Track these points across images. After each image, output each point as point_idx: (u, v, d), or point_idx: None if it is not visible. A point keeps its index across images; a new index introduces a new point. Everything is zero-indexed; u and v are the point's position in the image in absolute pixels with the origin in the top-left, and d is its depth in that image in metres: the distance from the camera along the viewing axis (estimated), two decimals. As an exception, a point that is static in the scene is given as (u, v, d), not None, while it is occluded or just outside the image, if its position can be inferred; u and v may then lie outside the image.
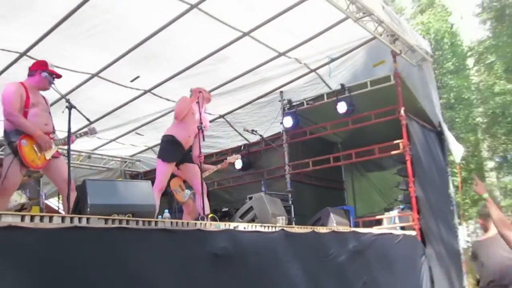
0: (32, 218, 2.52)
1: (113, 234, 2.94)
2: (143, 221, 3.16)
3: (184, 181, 6.74)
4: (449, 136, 8.34)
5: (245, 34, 6.84)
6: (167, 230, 3.29)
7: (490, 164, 16.54)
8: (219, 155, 9.45)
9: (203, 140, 5.10)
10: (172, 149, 5.20)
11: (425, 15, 22.43)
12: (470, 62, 18.21)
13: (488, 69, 17.30)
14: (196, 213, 6.33)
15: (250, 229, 4.01)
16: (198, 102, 5.21)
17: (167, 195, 7.74)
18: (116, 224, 2.97)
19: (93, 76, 7.06)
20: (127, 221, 3.07)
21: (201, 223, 3.61)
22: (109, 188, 3.66)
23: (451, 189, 8.83)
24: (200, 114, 5.12)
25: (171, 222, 3.39)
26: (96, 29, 5.90)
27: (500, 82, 16.06)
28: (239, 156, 7.12)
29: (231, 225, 3.85)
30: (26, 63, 5.15)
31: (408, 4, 31.09)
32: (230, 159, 7.00)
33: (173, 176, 6.34)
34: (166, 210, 4.80)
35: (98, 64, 6.89)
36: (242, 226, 3.96)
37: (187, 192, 6.84)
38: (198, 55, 7.15)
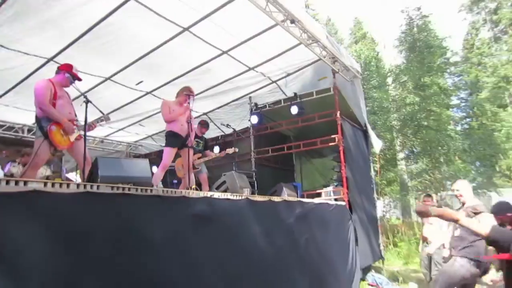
0: (53, 185, 2.47)
1: (118, 199, 2.90)
2: (141, 189, 3.13)
3: None
4: (372, 134, 8.51)
5: (224, 52, 6.79)
6: (159, 196, 3.27)
7: (401, 155, 16.97)
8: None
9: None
10: (174, 139, 5.12)
11: (358, 45, 22.78)
12: (389, 80, 18.59)
13: (402, 86, 17.71)
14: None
15: (222, 197, 4.00)
16: (189, 103, 5.15)
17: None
18: (120, 191, 2.93)
19: (106, 79, 6.89)
20: (129, 188, 3.03)
21: (185, 192, 3.58)
22: (116, 164, 3.60)
23: (372, 172, 9.04)
24: (190, 111, 5.09)
25: (163, 190, 3.36)
26: (110, 43, 5.76)
27: (410, 95, 16.47)
28: (236, 149, 6.96)
29: (208, 194, 3.84)
30: (52, 67, 4.96)
31: (346, 36, 31.48)
32: (228, 150, 6.64)
33: (178, 156, 6.20)
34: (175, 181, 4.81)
35: (110, 70, 6.73)
36: (216, 194, 3.95)
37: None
38: (189, 67, 7.07)
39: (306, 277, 5.12)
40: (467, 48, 29.76)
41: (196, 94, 6.38)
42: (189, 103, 5.14)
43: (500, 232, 2.57)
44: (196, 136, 6.70)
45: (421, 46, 16.67)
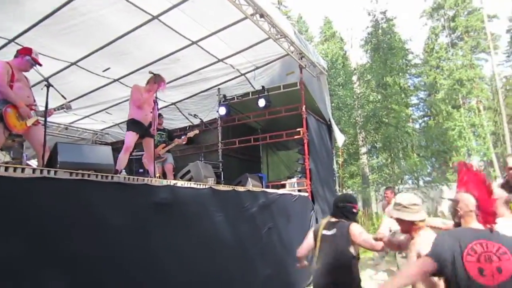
0: (6, 169, 2.32)
1: (77, 185, 2.78)
2: (102, 175, 3.01)
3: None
4: (335, 128, 8.65)
5: (193, 43, 6.64)
6: (121, 183, 3.16)
7: (363, 150, 17.38)
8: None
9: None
10: (135, 126, 4.92)
11: (327, 44, 23.06)
12: (354, 78, 18.96)
13: (366, 85, 18.11)
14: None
15: (186, 185, 3.94)
16: (156, 91, 5.01)
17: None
18: (79, 177, 2.81)
19: (71, 64, 6.56)
20: (89, 175, 2.91)
21: (148, 179, 3.49)
22: (77, 150, 3.44)
23: (335, 165, 9.21)
24: (155, 101, 4.95)
25: (124, 177, 3.25)
26: (76, 27, 5.48)
27: (373, 93, 16.89)
28: (197, 131, 6.87)
29: (171, 182, 3.76)
30: (14, 49, 4.67)
31: (317, 34, 31.78)
32: (189, 134, 6.69)
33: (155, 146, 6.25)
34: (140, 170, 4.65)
35: (76, 55, 6.41)
36: (180, 183, 3.88)
37: None
38: (157, 55, 6.84)
39: (267, 264, 5.16)
40: (427, 52, 30.82)
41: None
42: (156, 92, 5.01)
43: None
44: (158, 129, 6.66)
45: (384, 47, 17.08)
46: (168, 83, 7.31)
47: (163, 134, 6.79)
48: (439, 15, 30.71)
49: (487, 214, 2.04)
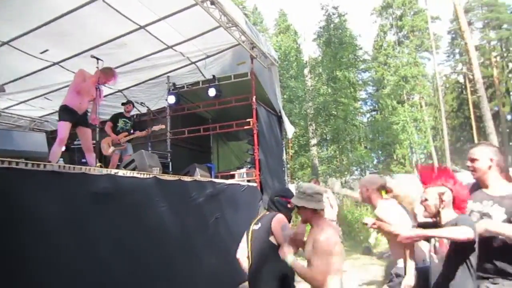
0: None
1: (1, 173, 2.57)
2: (32, 163, 2.82)
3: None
4: (285, 120, 8.77)
5: (141, 27, 6.41)
6: (55, 172, 2.98)
7: (313, 142, 17.80)
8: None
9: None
10: (68, 114, 4.64)
11: (281, 36, 23.25)
12: (306, 71, 19.30)
13: (317, 78, 18.53)
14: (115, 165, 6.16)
15: (128, 175, 3.81)
16: (99, 83, 4.80)
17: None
18: (6, 165, 2.61)
19: (3, 43, 6.07)
20: (17, 162, 2.71)
21: (86, 168, 3.32)
22: (6, 136, 3.21)
23: (285, 156, 9.36)
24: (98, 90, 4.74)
25: (59, 166, 3.07)
26: (6, 2, 5.06)
27: (323, 87, 17.32)
28: (163, 126, 6.77)
29: (112, 171, 3.61)
30: None
31: (271, 26, 31.93)
32: (155, 127, 6.58)
33: (106, 135, 6.31)
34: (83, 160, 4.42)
35: (10, 34, 5.93)
36: (121, 172, 3.74)
37: (111, 148, 6.35)
38: (102, 39, 6.52)
39: (214, 255, 5.15)
40: (376, 49, 32.16)
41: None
42: (100, 87, 4.80)
43: None
44: (124, 117, 6.71)
45: (335, 42, 17.54)
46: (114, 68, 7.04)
47: (128, 123, 6.66)
48: (388, 13, 32.11)
49: (462, 201, 2.41)
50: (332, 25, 18.48)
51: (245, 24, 6.65)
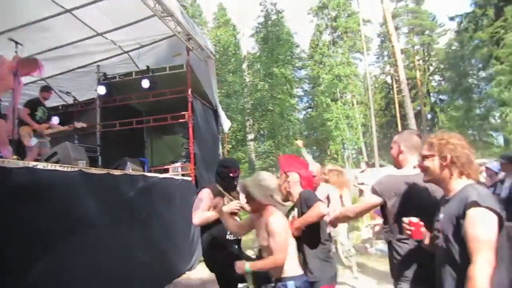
0: None
1: None
2: None
3: (34, 130, 5.69)
4: (222, 114, 8.80)
5: (67, 11, 6.02)
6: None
7: (250, 137, 18.05)
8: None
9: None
10: None
11: (220, 30, 23.14)
12: (244, 66, 19.47)
13: (254, 73, 18.79)
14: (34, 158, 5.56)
15: (49, 168, 3.58)
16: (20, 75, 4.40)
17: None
18: None
19: None
20: None
21: (0, 160, 3.07)
22: None
23: (221, 150, 9.38)
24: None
25: (-33, 158, 2.81)
26: None
27: (261, 82, 17.62)
28: (84, 124, 6.32)
29: (31, 164, 3.37)
30: None
31: (211, 20, 31.63)
32: (77, 124, 6.23)
33: (24, 124, 5.48)
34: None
35: None
36: (41, 165, 3.50)
37: (34, 139, 5.74)
38: (21, 21, 6.00)
39: (147, 250, 5.04)
40: (312, 47, 33.33)
41: (32, 55, 5.52)
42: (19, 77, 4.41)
43: None
44: (42, 104, 5.96)
45: (273, 38, 17.89)
46: (34, 55, 6.52)
47: (46, 112, 5.99)
48: (323, 14, 33.39)
49: (309, 181, 3.01)
50: (270, 22, 18.80)
51: (181, 15, 6.54)
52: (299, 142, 7.20)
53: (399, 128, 32.85)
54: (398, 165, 2.54)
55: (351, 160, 28.46)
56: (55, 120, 6.38)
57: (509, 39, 16.79)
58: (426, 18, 35.08)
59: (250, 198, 2.63)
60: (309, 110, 31.17)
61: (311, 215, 2.58)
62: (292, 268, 2.57)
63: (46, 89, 6.18)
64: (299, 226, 2.62)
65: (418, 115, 30.91)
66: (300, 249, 2.70)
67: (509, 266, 1.76)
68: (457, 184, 1.86)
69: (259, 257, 2.88)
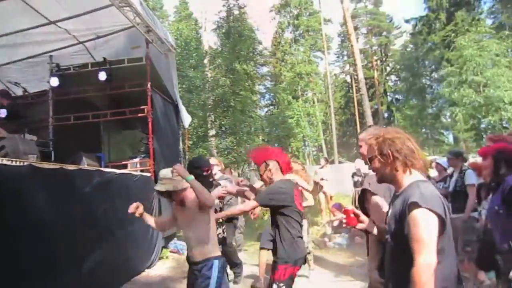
0: None
1: None
2: None
3: None
4: (182, 109, 8.68)
5: (15, -4, 5.71)
6: None
7: (212, 133, 17.88)
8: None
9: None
10: None
11: (181, 24, 22.77)
12: (206, 61, 19.26)
13: (216, 69, 18.66)
14: None
15: (-4, 162, 3.39)
16: None
17: None
18: None
19: None
20: None
21: None
22: None
23: (181, 146, 9.27)
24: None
25: None
26: None
27: (222, 78, 17.54)
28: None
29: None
30: None
31: (172, 13, 31.04)
32: None
33: None
34: None
35: None
36: (-14, 159, 3.32)
37: None
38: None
39: (103, 248, 4.90)
40: (274, 45, 33.66)
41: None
42: None
43: None
44: None
45: (235, 33, 17.85)
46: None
47: None
48: (286, 11, 33.81)
49: (287, 165, 3.41)
50: (232, 17, 18.75)
51: (140, 6, 6.38)
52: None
53: (358, 126, 33.98)
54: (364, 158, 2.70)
55: (311, 157, 29.10)
56: (2, 113, 6.02)
57: (459, 42, 17.77)
58: (383, 19, 36.47)
59: (173, 194, 2.87)
60: (271, 107, 31.49)
61: (234, 211, 3.64)
62: (215, 249, 2.92)
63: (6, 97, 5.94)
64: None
65: (375, 113, 32.08)
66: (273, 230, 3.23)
67: (453, 259, 1.81)
68: (405, 179, 1.86)
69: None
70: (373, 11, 36.88)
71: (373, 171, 2.00)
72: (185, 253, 8.04)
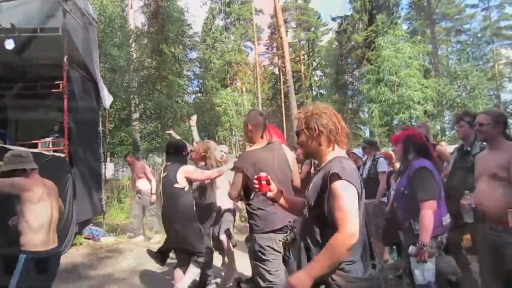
0: None
1: None
2: None
3: None
4: (103, 88, 8.18)
5: None
6: None
7: (135, 116, 17.16)
8: None
9: None
10: None
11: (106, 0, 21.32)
12: (131, 41, 18.35)
13: (142, 49, 17.86)
14: None
15: None
16: None
17: None
18: None
19: None
20: None
21: None
22: None
23: (100, 127, 8.76)
24: None
25: None
26: None
27: (148, 59, 16.87)
28: None
29: None
30: None
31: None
32: None
33: None
34: None
35: None
36: None
37: None
38: None
39: (10, 235, 4.48)
40: (205, 31, 33.17)
41: None
42: None
43: None
44: None
45: (163, 14, 17.22)
46: None
47: None
48: (217, -2, 33.51)
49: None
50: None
51: (58, -30, 5.87)
52: (194, 118, 7.37)
53: (284, 118, 35.11)
54: (250, 141, 3.14)
55: (238, 146, 29.45)
56: None
57: (379, 43, 19.16)
58: (312, 15, 37.87)
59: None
60: (199, 94, 31.15)
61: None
62: (26, 243, 2.94)
63: None
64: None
65: (300, 106, 33.36)
66: None
67: (364, 232, 1.88)
68: (328, 155, 1.92)
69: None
70: (303, 6, 38.08)
71: (299, 145, 2.05)
72: (102, 240, 7.74)
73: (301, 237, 2.02)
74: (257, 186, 2.15)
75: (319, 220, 1.85)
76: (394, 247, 5.18)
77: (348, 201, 1.71)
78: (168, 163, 4.06)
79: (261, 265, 2.84)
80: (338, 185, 1.73)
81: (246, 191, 2.96)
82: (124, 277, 5.43)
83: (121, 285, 5.15)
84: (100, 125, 8.68)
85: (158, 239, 7.59)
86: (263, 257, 2.84)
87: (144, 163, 8.43)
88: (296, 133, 2.03)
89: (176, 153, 4.06)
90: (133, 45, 17.85)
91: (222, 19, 33.29)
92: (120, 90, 14.90)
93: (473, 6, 31.49)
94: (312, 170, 4.93)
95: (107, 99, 8.36)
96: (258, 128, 3.07)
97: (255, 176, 2.16)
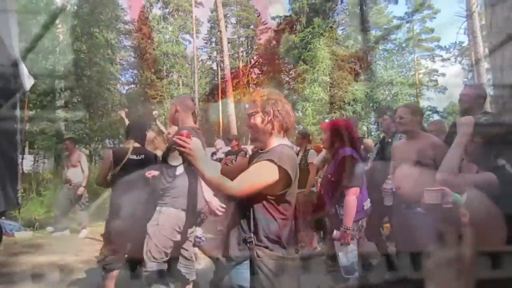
0: None
1: None
2: None
3: None
4: (23, 68, 7.48)
5: None
6: None
7: (60, 103, 15.95)
8: None
9: None
10: None
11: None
12: (58, 22, 17.04)
13: (70, 31, 16.68)
14: None
15: None
16: None
17: None
18: None
19: None
20: None
21: None
22: None
23: (18, 111, 8.03)
24: None
25: None
26: None
27: (77, 42, 15.76)
28: None
29: None
30: None
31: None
32: None
33: None
34: None
35: None
36: None
37: None
38: None
39: None
40: (141, 19, 31.89)
41: None
42: None
43: None
44: None
45: (95, -6, 16.26)
46: None
47: None
48: (155, -15, 32.36)
49: None
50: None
51: None
52: (122, 113, 6.92)
53: (220, 114, 35.05)
54: (175, 123, 3.25)
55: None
56: None
57: (315, 44, 19.93)
58: (252, 13, 38.17)
59: None
60: (133, 86, 29.92)
61: None
62: None
63: None
64: None
65: (237, 103, 33.51)
66: None
67: (288, 227, 1.99)
68: (274, 141, 1.98)
69: None
70: (243, 3, 38.20)
71: (249, 127, 2.04)
72: (16, 234, 7.18)
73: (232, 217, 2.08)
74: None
75: (246, 204, 1.93)
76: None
77: (257, 175, 1.82)
78: (138, 145, 3.86)
79: None
80: (261, 163, 1.84)
81: None
82: (44, 273, 5.05)
83: (40, 283, 4.77)
84: (18, 109, 7.93)
85: (85, 234, 7.24)
86: None
87: (81, 153, 7.94)
88: (248, 114, 2.02)
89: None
90: (60, 26, 16.60)
91: (160, 9, 32.24)
92: (43, 73, 13.77)
93: (400, 18, 33.90)
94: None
95: (28, 81, 7.65)
96: (186, 110, 3.15)
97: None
